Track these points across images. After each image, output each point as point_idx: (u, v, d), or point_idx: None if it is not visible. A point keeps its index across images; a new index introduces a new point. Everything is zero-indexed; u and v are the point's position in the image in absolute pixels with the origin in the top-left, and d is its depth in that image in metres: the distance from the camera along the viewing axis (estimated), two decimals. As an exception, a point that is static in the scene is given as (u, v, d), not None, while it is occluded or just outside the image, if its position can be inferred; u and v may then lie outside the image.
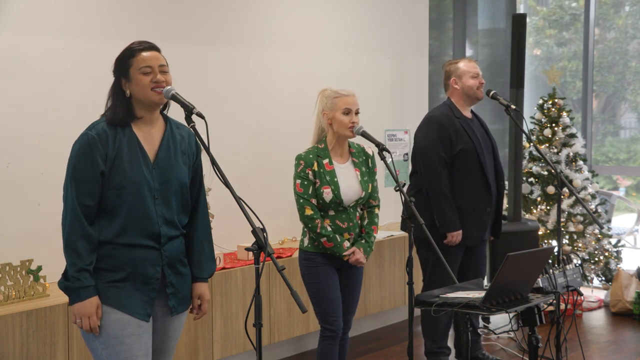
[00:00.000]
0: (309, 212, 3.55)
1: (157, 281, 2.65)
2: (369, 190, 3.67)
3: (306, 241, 3.65)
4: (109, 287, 2.58)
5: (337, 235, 3.56)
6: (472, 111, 4.45)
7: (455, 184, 4.23)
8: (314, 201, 3.57)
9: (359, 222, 3.68)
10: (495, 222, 4.43)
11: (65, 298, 3.54)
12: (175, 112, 2.77)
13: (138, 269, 2.60)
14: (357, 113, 3.61)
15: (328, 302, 3.60)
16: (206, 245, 2.83)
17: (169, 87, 2.63)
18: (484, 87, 4.37)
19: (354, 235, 3.64)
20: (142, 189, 2.60)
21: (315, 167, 3.57)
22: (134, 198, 2.58)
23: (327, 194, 3.54)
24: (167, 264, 2.67)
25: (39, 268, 3.63)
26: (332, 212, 3.58)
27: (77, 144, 2.61)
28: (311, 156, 3.59)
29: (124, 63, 2.64)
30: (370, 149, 3.77)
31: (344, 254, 3.57)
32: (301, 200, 3.57)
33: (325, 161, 3.59)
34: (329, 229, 3.56)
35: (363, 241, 3.66)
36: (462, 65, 4.34)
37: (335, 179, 3.57)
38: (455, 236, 4.21)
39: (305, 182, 3.57)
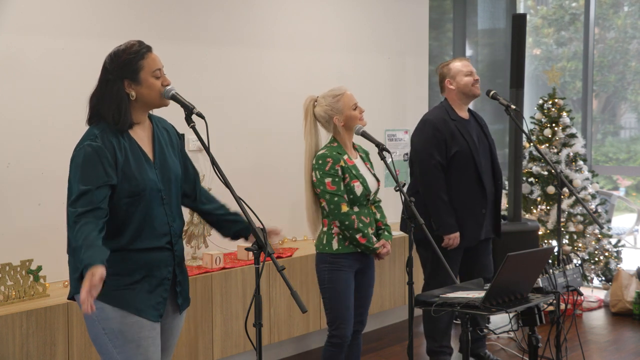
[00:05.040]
0: (345, 208, 3.51)
1: (169, 281, 2.66)
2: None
3: (335, 244, 3.56)
4: (124, 290, 2.56)
5: (368, 230, 3.58)
6: (470, 111, 4.46)
7: (451, 186, 4.25)
8: (346, 197, 3.55)
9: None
10: (495, 221, 4.44)
11: (64, 298, 3.54)
12: (176, 112, 2.77)
13: (153, 271, 2.60)
14: None
15: (343, 309, 3.57)
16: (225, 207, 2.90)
17: (169, 87, 2.62)
18: (480, 85, 4.38)
19: (374, 230, 3.66)
20: (153, 192, 2.59)
21: (342, 163, 3.55)
22: (146, 203, 2.57)
23: (358, 187, 3.54)
24: (177, 264, 2.69)
25: (39, 268, 3.63)
26: (356, 209, 3.58)
27: (81, 156, 2.51)
28: (335, 153, 3.56)
29: (133, 65, 2.57)
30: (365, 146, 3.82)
31: (375, 246, 3.58)
32: (336, 198, 3.51)
33: (345, 157, 3.59)
34: (361, 224, 3.56)
35: (387, 233, 3.70)
36: (455, 65, 4.36)
37: (361, 172, 3.60)
38: (453, 239, 4.22)
39: (337, 179, 3.53)
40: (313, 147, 3.64)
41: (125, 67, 2.57)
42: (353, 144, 3.72)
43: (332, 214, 3.52)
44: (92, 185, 2.46)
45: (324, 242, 3.60)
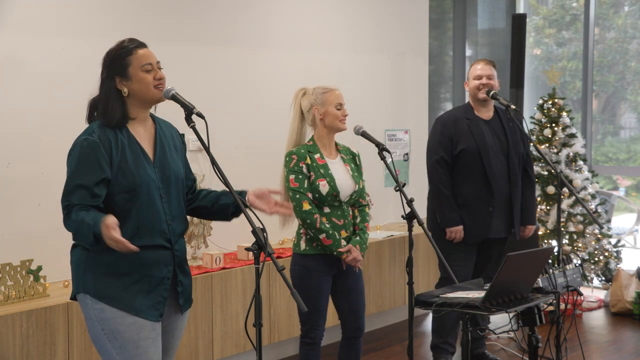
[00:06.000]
0: (306, 206, 3.46)
1: (169, 281, 2.66)
2: (361, 186, 3.63)
3: (303, 244, 3.53)
4: (123, 290, 2.56)
5: (335, 232, 3.50)
6: (497, 111, 4.46)
7: (457, 183, 4.34)
8: (310, 195, 3.49)
9: (352, 220, 3.64)
10: (508, 221, 4.43)
11: (64, 298, 3.55)
12: (176, 112, 2.76)
13: (152, 271, 2.60)
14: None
15: (312, 311, 3.50)
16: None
17: (169, 87, 2.63)
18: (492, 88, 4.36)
19: (349, 234, 3.58)
20: (150, 189, 2.59)
21: (309, 161, 3.51)
22: (143, 200, 2.57)
23: (324, 186, 3.48)
24: (177, 264, 2.69)
25: (39, 268, 3.63)
26: (327, 209, 3.52)
27: (77, 150, 2.54)
28: (302, 151, 3.53)
29: (122, 61, 2.60)
30: (356, 148, 3.76)
31: (340, 249, 3.48)
32: (297, 196, 3.47)
33: (317, 156, 3.54)
34: (327, 225, 3.50)
35: (357, 238, 3.59)
36: (473, 66, 4.42)
37: (330, 172, 3.52)
38: (455, 232, 4.29)
39: (300, 176, 3.49)
40: (293, 141, 3.61)
41: (115, 64, 2.61)
42: (336, 144, 3.67)
43: (295, 211, 3.48)
44: (90, 181, 2.49)
45: (295, 241, 3.59)
